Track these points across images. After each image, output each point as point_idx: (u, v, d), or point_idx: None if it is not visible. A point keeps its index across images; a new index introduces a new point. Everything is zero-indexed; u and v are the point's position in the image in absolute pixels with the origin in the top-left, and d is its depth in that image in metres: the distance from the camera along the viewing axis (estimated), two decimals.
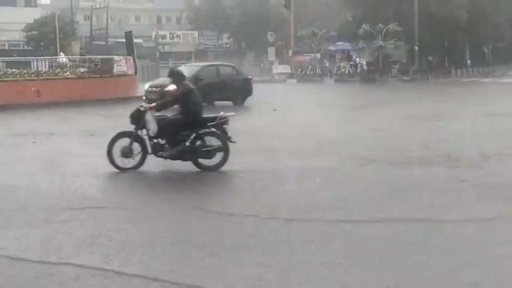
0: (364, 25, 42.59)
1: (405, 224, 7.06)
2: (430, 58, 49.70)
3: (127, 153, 10.34)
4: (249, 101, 24.25)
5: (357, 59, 48.20)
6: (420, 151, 12.33)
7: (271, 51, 54.50)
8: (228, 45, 68.55)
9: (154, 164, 10.52)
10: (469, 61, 54.53)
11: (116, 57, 30.23)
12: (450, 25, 45.33)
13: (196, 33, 64.36)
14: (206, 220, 7.53)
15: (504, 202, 8.04)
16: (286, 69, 48.42)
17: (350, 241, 6.47)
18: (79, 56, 34.36)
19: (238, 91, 24.76)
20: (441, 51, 51.82)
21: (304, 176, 10.00)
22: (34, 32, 51.76)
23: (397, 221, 7.21)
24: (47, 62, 29.17)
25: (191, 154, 10.30)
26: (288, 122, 19.14)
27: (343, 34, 50.56)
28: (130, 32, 31.85)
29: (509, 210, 7.70)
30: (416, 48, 43.68)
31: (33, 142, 14.56)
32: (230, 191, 9.57)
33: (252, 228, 6.97)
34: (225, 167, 10.31)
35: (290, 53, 53.35)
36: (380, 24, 42.05)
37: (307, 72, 45.70)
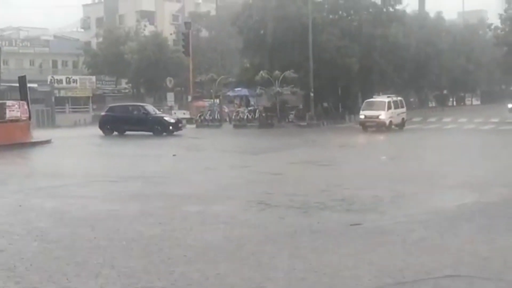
0: (261, 72, 43.45)
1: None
2: (325, 104, 51.16)
3: None
4: (149, 146, 24.09)
5: (255, 105, 48.98)
6: (316, 195, 12.61)
7: (170, 96, 54.57)
8: (126, 90, 68.02)
9: None
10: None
11: (8, 102, 29.26)
12: (343, 73, 47.09)
13: (93, 78, 63.50)
14: None
15: (393, 246, 8.32)
16: (185, 114, 48.46)
17: None
18: None
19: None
20: (336, 97, 53.56)
21: (196, 222, 9.97)
22: None
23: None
24: None
25: None
26: (187, 167, 19.13)
27: (242, 80, 51.33)
28: (24, 76, 31.03)
29: (390, 255, 7.97)
30: (312, 94, 44.90)
31: None
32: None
33: None
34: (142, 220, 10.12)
35: (189, 98, 53.57)
36: (276, 71, 43.03)
37: (206, 118, 45.94)
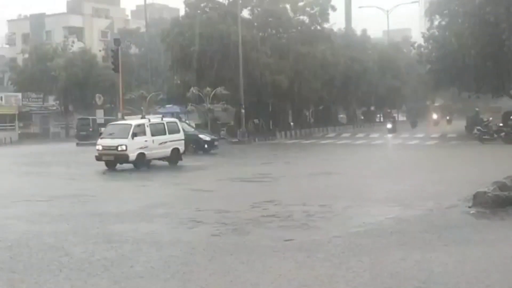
0: (192, 89, 43.41)
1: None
2: (256, 120, 51.53)
3: None
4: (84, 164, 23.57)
5: (187, 122, 48.81)
6: (248, 211, 12.68)
7: (100, 113, 53.76)
8: (54, 107, 66.59)
9: None
10: (292, 124, 57.39)
11: None
12: (273, 90, 47.59)
13: (19, 95, 61.86)
14: None
15: (330, 262, 8.46)
16: None
17: None
18: None
19: None
20: (266, 114, 54.04)
21: (124, 241, 9.86)
22: None
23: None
24: None
25: None
26: (117, 185, 18.91)
27: (172, 96, 51.15)
28: None
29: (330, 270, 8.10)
30: (243, 111, 45.14)
31: None
32: None
33: None
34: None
35: (120, 115, 52.88)
36: (207, 88, 43.09)
37: None
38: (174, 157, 25.13)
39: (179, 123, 27.07)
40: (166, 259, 8.55)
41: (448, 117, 62.55)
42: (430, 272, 7.59)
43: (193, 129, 34.53)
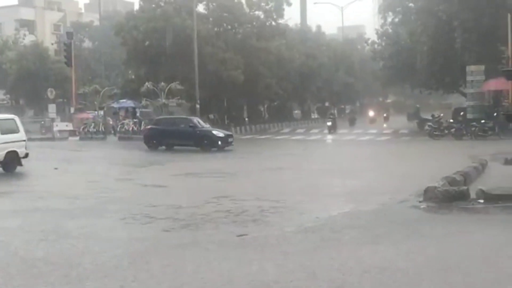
0: (146, 83, 43.04)
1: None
2: (211, 116, 51.39)
3: None
4: (29, 160, 23.03)
5: (141, 117, 48.37)
6: (202, 207, 12.65)
7: (52, 108, 52.77)
8: (4, 102, 65.25)
9: None
10: (247, 119, 57.46)
11: None
12: (228, 85, 47.58)
13: None
14: None
15: (279, 254, 8.50)
16: (68, 126, 47.10)
17: None
18: None
19: None
20: (221, 109, 54.00)
21: (76, 237, 9.74)
22: None
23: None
24: None
25: None
26: (70, 180, 18.65)
27: (126, 91, 50.64)
28: None
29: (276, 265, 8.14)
30: (198, 106, 44.96)
31: None
32: None
33: None
34: None
35: (72, 110, 52.16)
36: (162, 83, 42.79)
37: (90, 130, 44.85)
38: (10, 162, 20.48)
39: (18, 121, 21.81)
40: (115, 255, 8.44)
41: (385, 115, 61.70)
42: (378, 265, 7.68)
43: (207, 126, 33.95)
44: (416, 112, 56.54)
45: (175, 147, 31.53)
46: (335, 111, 70.41)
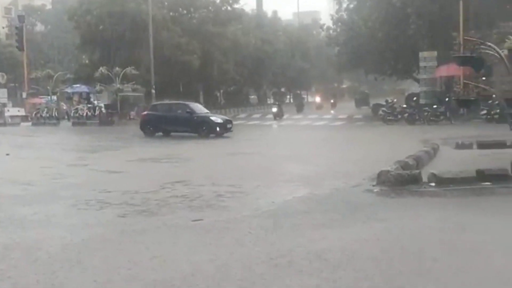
0: (101, 68, 42.52)
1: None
2: (167, 101, 51.11)
3: None
4: None
5: (96, 102, 47.80)
6: (158, 192, 12.60)
7: (3, 92, 51.68)
8: None
9: None
10: (203, 104, 57.21)
11: None
12: (184, 70, 47.32)
13: None
14: None
15: (234, 239, 8.55)
16: (20, 111, 46.27)
17: None
18: None
19: None
20: (177, 94, 53.65)
21: (28, 224, 9.61)
22: None
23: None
24: None
25: None
26: (22, 166, 18.33)
27: (80, 76, 49.96)
28: None
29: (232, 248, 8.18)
30: (153, 91, 44.65)
31: None
32: None
33: None
34: None
35: (24, 95, 51.20)
36: (117, 68, 42.31)
37: (43, 115, 44.13)
38: None
39: None
40: (69, 242, 8.37)
41: (332, 101, 61.65)
42: (331, 248, 7.79)
43: (205, 111, 33.40)
44: (364, 98, 57.06)
45: (172, 134, 31.06)
46: (290, 97, 70.67)
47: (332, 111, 53.77)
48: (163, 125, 31.54)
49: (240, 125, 40.91)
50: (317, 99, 63.68)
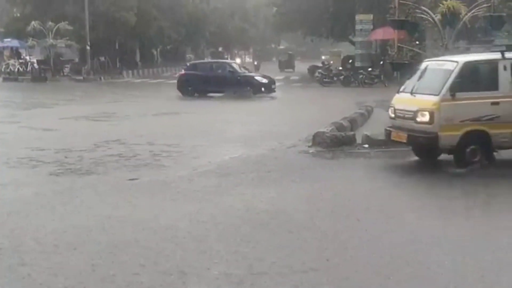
0: (33, 22, 41.19)
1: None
2: (102, 58, 50.03)
3: None
4: None
5: (28, 57, 46.39)
6: (93, 151, 12.45)
7: None
8: None
9: None
10: (139, 63, 56.39)
11: None
12: (120, 27, 46.34)
13: None
14: None
15: (171, 199, 8.57)
16: None
17: None
18: None
19: None
20: (113, 52, 52.63)
21: None
22: None
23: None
24: None
25: None
26: None
27: (11, 30, 48.22)
28: None
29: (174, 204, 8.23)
30: (88, 48, 43.64)
31: None
32: None
33: None
34: None
35: None
36: (50, 22, 41.07)
37: None
38: None
39: None
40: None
41: (255, 63, 61.11)
42: (264, 208, 7.93)
43: (247, 71, 31.83)
44: (289, 60, 56.97)
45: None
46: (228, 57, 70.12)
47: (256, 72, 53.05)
48: (204, 85, 29.19)
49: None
50: (237, 60, 62.98)
